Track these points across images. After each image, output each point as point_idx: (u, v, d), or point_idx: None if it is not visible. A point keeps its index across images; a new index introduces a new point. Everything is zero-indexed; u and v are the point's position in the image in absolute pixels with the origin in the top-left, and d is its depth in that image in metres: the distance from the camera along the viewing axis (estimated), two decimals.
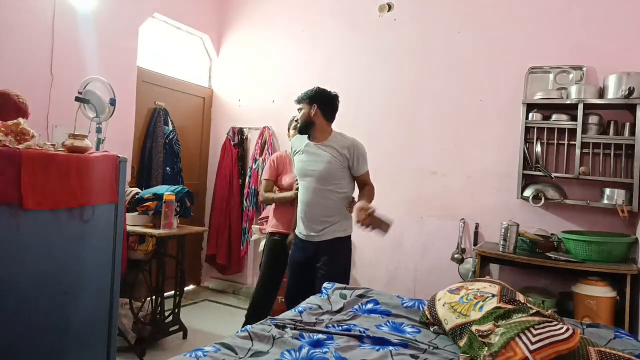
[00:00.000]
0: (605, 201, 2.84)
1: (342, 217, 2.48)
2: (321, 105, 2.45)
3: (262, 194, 2.92)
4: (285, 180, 2.88)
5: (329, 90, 2.52)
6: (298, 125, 2.52)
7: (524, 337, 1.37)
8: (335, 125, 2.52)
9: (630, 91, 2.70)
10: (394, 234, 3.65)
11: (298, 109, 2.51)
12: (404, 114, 3.68)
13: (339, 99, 2.53)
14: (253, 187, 4.22)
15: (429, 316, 1.94)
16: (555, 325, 1.43)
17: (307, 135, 2.51)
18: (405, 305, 2.15)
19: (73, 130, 2.20)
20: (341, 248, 2.52)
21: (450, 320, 1.77)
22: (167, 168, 3.94)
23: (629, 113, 2.86)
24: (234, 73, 4.54)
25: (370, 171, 2.52)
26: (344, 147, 2.42)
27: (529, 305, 1.65)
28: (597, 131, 2.90)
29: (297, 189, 2.63)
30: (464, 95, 3.47)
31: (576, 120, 2.89)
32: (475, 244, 3.33)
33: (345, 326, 1.86)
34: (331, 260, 2.46)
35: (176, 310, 3.23)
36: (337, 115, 2.51)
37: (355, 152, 2.44)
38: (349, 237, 2.56)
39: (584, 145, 2.91)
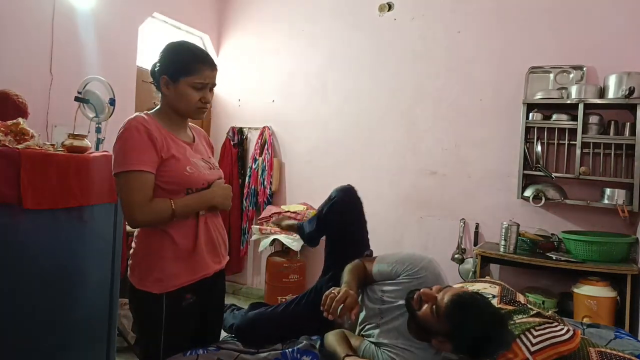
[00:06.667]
0: (606, 201, 2.84)
1: None
2: None
3: None
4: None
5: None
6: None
7: (524, 339, 1.37)
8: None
9: (631, 91, 2.70)
10: (394, 234, 3.68)
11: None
12: (404, 114, 3.68)
13: None
14: (253, 187, 4.22)
15: None
16: (555, 326, 1.42)
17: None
18: None
19: (72, 130, 2.19)
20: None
21: None
22: None
23: (629, 113, 2.86)
24: (233, 73, 4.54)
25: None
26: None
27: (529, 306, 1.65)
28: (597, 131, 2.90)
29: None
30: (464, 95, 3.47)
31: (576, 120, 2.89)
32: (475, 244, 3.33)
33: None
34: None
35: None
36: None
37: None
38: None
39: (584, 145, 2.90)
